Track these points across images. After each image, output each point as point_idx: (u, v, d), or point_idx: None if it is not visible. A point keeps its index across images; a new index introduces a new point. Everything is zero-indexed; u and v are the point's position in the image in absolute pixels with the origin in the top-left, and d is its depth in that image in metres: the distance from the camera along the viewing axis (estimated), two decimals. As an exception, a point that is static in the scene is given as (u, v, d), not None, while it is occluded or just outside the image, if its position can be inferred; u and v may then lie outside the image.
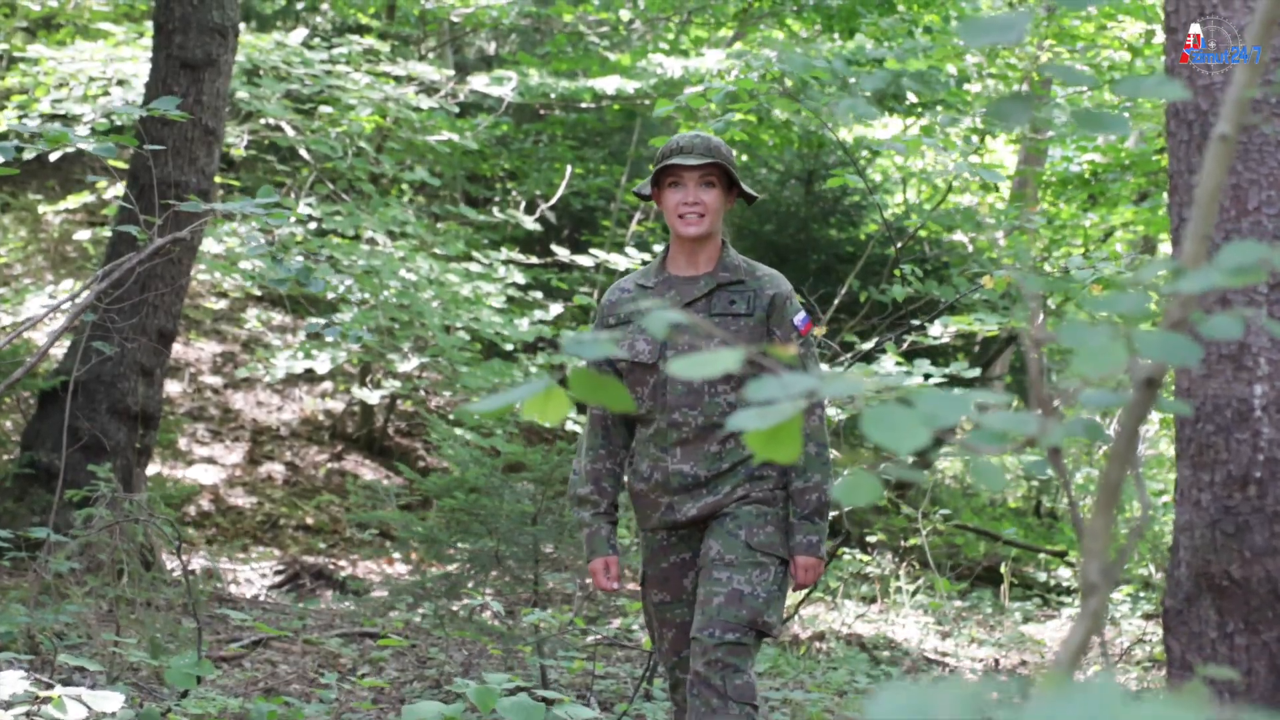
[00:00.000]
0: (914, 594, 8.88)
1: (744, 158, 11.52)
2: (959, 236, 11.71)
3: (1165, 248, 15.07)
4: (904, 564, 9.26)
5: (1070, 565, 11.07)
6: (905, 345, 8.16)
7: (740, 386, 3.84)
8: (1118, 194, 11.17)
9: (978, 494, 14.56)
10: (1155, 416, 14.04)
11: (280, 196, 10.23)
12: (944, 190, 10.06)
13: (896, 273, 6.04)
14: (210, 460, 10.17)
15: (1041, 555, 11.09)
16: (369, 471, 10.38)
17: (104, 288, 5.15)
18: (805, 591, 7.34)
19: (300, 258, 4.84)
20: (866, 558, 9.27)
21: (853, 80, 10.11)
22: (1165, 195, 10.16)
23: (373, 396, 9.60)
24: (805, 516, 3.83)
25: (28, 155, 4.96)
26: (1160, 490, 12.21)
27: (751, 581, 3.76)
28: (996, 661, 7.80)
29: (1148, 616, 8.23)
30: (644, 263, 9.67)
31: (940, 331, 8.06)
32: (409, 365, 9.16)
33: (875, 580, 9.04)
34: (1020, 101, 1.73)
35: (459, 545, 6.14)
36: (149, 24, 9.50)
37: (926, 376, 7.91)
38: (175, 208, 5.24)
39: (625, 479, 4.02)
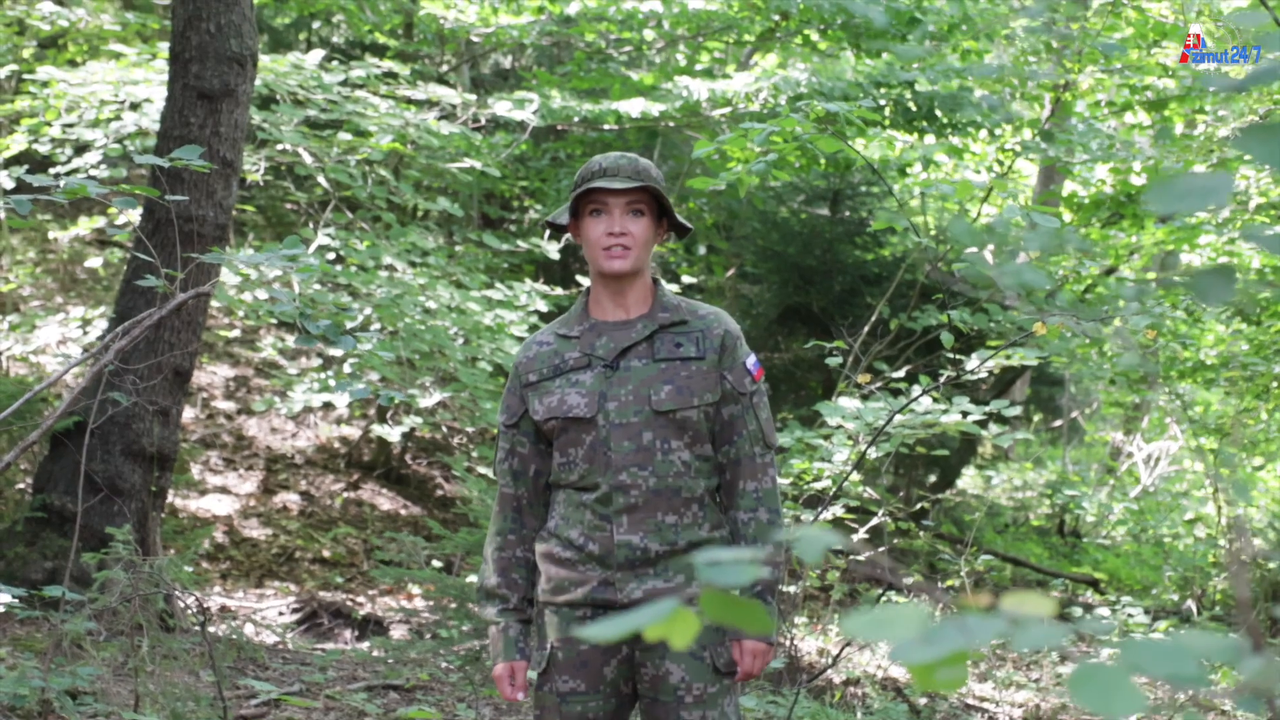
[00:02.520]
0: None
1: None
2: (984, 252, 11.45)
3: (1186, 258, 14.79)
4: (942, 605, 9.02)
5: (1102, 593, 10.83)
6: (942, 381, 7.92)
7: (697, 441, 3.32)
8: (1144, 212, 10.94)
9: (1000, 514, 14.31)
10: (1179, 441, 13.78)
11: (299, 227, 9.97)
12: (979, 203, 9.83)
13: (944, 317, 5.80)
14: (224, 490, 9.93)
15: (1064, 580, 10.86)
16: (386, 501, 10.13)
17: (124, 345, 4.93)
18: (845, 642, 7.12)
19: (327, 320, 4.62)
20: (903, 600, 9.04)
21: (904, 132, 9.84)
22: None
23: (394, 434, 9.32)
24: (756, 595, 3.21)
25: (37, 182, 4.74)
26: (1192, 520, 11.96)
27: (725, 712, 3.30)
28: (1038, 707, 7.57)
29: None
30: (678, 292, 9.31)
31: (976, 365, 7.82)
32: (430, 400, 8.89)
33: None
34: (1223, 277, 1.50)
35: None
36: (162, 45, 9.22)
37: (965, 414, 7.68)
38: (196, 259, 5.02)
39: (538, 548, 3.39)
